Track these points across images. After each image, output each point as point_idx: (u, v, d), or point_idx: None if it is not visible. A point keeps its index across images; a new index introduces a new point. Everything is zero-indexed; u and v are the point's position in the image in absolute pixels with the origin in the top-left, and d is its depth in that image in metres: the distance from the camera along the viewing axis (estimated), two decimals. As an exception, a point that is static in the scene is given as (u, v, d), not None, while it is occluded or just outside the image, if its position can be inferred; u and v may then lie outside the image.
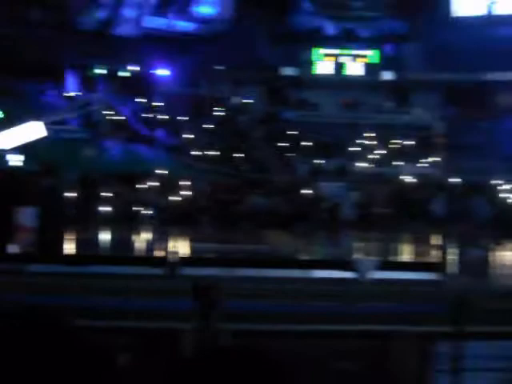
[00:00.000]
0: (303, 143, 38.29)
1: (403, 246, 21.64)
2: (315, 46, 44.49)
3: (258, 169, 33.92)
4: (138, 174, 28.59)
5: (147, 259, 16.21)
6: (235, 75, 40.00)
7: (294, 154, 36.46)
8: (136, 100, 36.10)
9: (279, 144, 37.90)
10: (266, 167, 34.53)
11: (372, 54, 44.46)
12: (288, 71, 43.79)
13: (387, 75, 43.80)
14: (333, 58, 44.63)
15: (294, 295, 10.23)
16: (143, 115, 35.18)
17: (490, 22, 43.51)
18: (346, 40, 44.58)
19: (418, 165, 34.27)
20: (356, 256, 15.32)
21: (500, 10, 44.36)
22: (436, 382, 7.56)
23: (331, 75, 44.20)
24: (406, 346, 7.14)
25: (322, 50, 44.55)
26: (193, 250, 18.40)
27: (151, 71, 37.18)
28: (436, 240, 21.42)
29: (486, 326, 7.46)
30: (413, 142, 38.33)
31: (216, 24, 41.89)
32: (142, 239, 22.50)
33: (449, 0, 44.96)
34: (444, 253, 17.20)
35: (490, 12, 44.21)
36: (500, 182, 29.99)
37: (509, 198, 27.30)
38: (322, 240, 22.36)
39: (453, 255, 17.37)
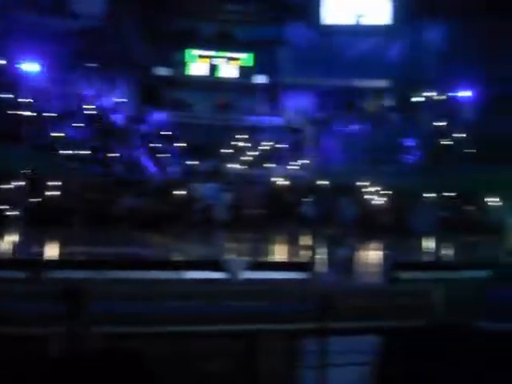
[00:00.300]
0: (176, 144, 38.19)
1: (275, 246, 22.05)
2: (190, 47, 44.53)
3: (131, 169, 33.44)
4: (1, 174, 27.21)
5: (11, 262, 15.49)
6: (107, 73, 39.19)
7: (167, 155, 36.26)
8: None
9: (152, 144, 37.57)
10: (138, 167, 34.12)
11: (246, 57, 45.07)
12: (162, 71, 43.52)
13: (260, 78, 44.56)
14: (207, 60, 44.86)
15: (164, 296, 10.14)
16: (8, 112, 33.54)
17: (357, 31, 45.38)
18: (221, 43, 44.94)
19: (289, 167, 35.09)
20: (228, 256, 15.43)
21: (367, 21, 46.30)
22: (303, 378, 7.76)
23: (205, 77, 44.40)
24: (272, 344, 7.28)
25: (196, 52, 44.67)
26: (61, 251, 17.81)
27: (18, 66, 35.55)
28: (306, 240, 22.01)
29: (349, 322, 7.76)
30: (285, 145, 39.26)
31: (89, 19, 40.77)
32: (6, 241, 21.49)
33: (319, 8, 46.37)
34: (313, 252, 17.73)
35: (358, 22, 46.06)
36: (366, 183, 31.27)
37: (373, 199, 28.51)
38: (195, 241, 22.33)
39: (322, 255, 17.93)
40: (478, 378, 6.28)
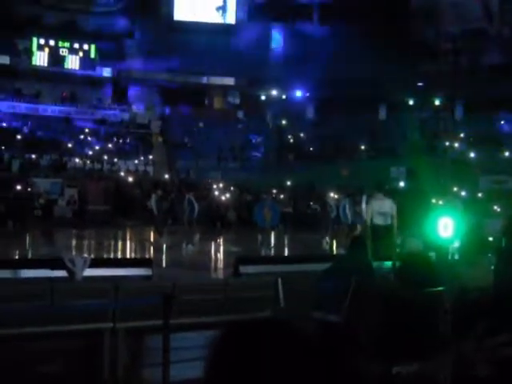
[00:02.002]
0: (17, 136, 36.53)
1: (118, 242, 21.77)
2: (33, 36, 42.78)
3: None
4: None
5: None
6: None
7: (5, 148, 34.54)
8: None
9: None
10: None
11: (89, 49, 44.03)
12: (2, 60, 41.48)
13: (105, 71, 43.73)
14: (50, 49, 43.34)
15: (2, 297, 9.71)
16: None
17: (208, 29, 45.86)
18: (64, 32, 43.57)
19: (136, 162, 34.73)
20: (69, 254, 15.04)
21: (217, 19, 47.00)
22: (147, 375, 7.77)
23: (48, 67, 42.87)
24: (116, 342, 7.23)
25: (40, 41, 43.01)
26: None
27: None
28: (149, 236, 21.94)
29: (191, 318, 7.86)
30: (131, 140, 38.81)
31: None
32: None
33: (172, 5, 46.35)
34: (155, 248, 17.75)
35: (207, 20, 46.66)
36: (212, 179, 31.68)
37: (219, 194, 28.91)
38: (35, 238, 21.51)
39: (166, 249, 17.98)
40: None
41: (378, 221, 12.24)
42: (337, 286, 6.74)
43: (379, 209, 12.17)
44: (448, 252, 11.77)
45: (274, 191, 28.74)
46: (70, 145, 36.48)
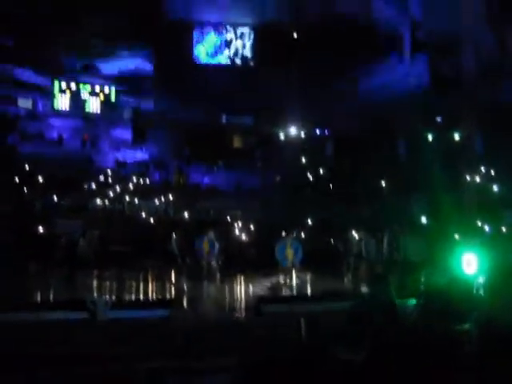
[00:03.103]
0: (40, 178, 36.90)
1: (140, 283, 21.73)
2: (55, 79, 43.60)
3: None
4: None
5: None
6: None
7: (28, 189, 34.86)
8: None
9: (14, 178, 36.05)
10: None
11: (110, 91, 44.75)
12: (25, 103, 42.20)
13: (126, 113, 44.31)
14: (71, 93, 44.11)
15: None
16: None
17: (227, 69, 46.60)
18: (86, 75, 44.35)
19: (156, 202, 34.86)
20: (92, 295, 15.03)
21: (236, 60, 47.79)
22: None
23: (71, 109, 43.61)
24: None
25: (62, 84, 43.81)
26: None
27: None
28: (172, 277, 21.89)
29: (212, 358, 7.77)
30: (150, 180, 39.06)
31: None
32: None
33: (191, 47, 47.19)
34: (177, 289, 17.67)
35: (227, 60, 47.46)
36: (232, 218, 31.66)
37: (239, 233, 28.85)
38: (56, 279, 21.55)
39: (186, 290, 17.90)
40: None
41: (401, 257, 12.13)
42: (360, 326, 6.64)
43: (403, 246, 12.08)
44: (472, 288, 11.59)
45: (295, 229, 28.62)
46: (91, 186, 36.75)
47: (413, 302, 9.84)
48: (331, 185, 38.06)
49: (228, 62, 48.15)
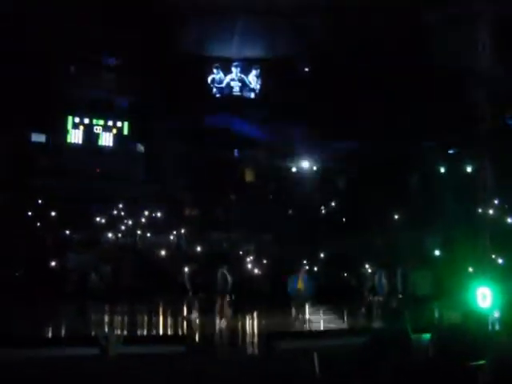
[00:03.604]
0: (52, 213, 37.05)
1: (152, 318, 21.60)
2: (69, 114, 44.06)
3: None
4: None
5: None
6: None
7: (40, 224, 34.99)
8: None
9: (26, 213, 36.21)
10: (10, 238, 32.62)
11: (123, 126, 45.17)
12: (38, 138, 42.62)
13: (138, 147, 44.69)
14: (84, 127, 44.52)
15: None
16: None
17: (238, 103, 47.09)
18: (98, 110, 44.80)
19: (168, 236, 34.85)
20: (104, 330, 14.95)
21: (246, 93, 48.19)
22: None
23: (84, 144, 44.01)
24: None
25: (76, 119, 44.24)
26: None
27: None
28: (184, 312, 21.76)
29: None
30: (162, 214, 39.10)
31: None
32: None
33: (203, 78, 47.77)
34: (189, 324, 17.53)
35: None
36: (245, 251, 31.57)
37: (251, 267, 28.74)
38: (68, 314, 21.46)
39: (198, 325, 17.76)
40: None
41: (416, 291, 12.01)
42: (375, 360, 6.56)
43: (418, 279, 11.97)
44: (488, 323, 11.43)
45: (307, 263, 28.48)
46: (103, 220, 36.85)
47: (427, 336, 9.71)
48: (344, 218, 37.98)
49: (239, 93, 48.60)
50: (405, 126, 39.73)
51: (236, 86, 48.57)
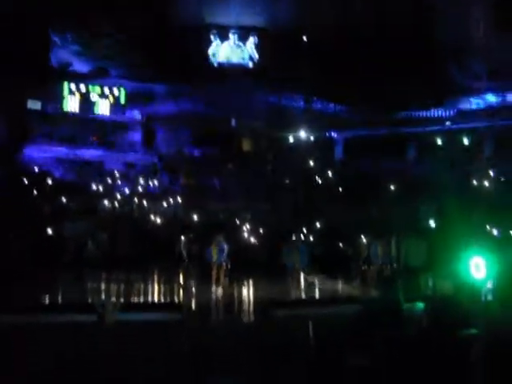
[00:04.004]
0: (48, 181, 37.05)
1: (148, 286, 21.77)
2: (64, 81, 43.75)
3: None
4: None
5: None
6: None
7: (37, 193, 35.01)
8: None
9: (22, 182, 36.21)
10: (9, 206, 32.66)
11: (119, 93, 44.88)
12: (34, 105, 42.36)
13: (135, 115, 44.45)
14: (80, 95, 44.25)
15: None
16: None
17: (237, 72, 46.77)
18: (95, 77, 44.51)
19: (165, 205, 34.89)
20: (99, 298, 15.09)
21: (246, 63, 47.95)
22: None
23: (81, 112, 43.78)
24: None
25: (71, 86, 43.95)
26: None
27: None
28: (180, 280, 21.92)
29: (222, 363, 7.78)
30: (159, 183, 39.14)
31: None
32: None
33: (203, 47, 47.46)
34: (185, 292, 17.69)
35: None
36: (241, 221, 31.67)
37: (247, 236, 28.87)
38: (64, 282, 21.61)
39: (195, 293, 17.92)
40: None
41: (409, 261, 12.12)
42: (368, 330, 6.65)
43: (411, 249, 12.06)
44: (480, 293, 11.54)
45: (303, 233, 28.61)
46: (99, 188, 36.86)
47: (420, 306, 9.82)
48: (340, 188, 38.08)
49: (242, 62, 48.34)
50: (403, 97, 39.68)
51: (233, 54, 48.27)
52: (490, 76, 41.24)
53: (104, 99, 44.43)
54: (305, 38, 46.15)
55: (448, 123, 41.02)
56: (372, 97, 41.15)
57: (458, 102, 42.63)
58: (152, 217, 32.08)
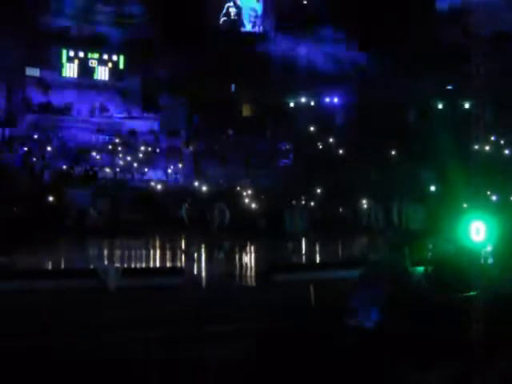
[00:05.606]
0: (48, 148, 36.99)
1: (150, 251, 21.90)
2: (63, 48, 43.27)
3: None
4: None
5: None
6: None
7: (38, 159, 34.99)
8: None
9: (23, 148, 36.18)
10: (6, 173, 32.66)
11: (118, 60, 44.44)
12: (33, 72, 41.98)
13: (134, 81, 44.09)
14: (79, 61, 43.83)
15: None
16: None
17: (237, 37, 46.34)
18: (94, 43, 44.06)
19: (165, 171, 34.89)
20: (101, 264, 15.15)
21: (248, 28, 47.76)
22: None
23: (79, 78, 43.37)
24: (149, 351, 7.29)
25: (70, 52, 43.48)
26: None
27: None
28: (182, 245, 22.03)
29: (223, 326, 7.88)
30: (160, 149, 39.05)
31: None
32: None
33: (200, 12, 46.83)
34: (187, 258, 17.79)
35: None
36: (241, 187, 31.71)
37: (248, 202, 28.94)
38: (68, 248, 21.73)
39: (196, 258, 18.03)
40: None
41: (410, 225, 12.17)
42: (373, 293, 6.71)
43: (411, 214, 12.11)
44: (480, 256, 11.60)
45: (304, 198, 28.67)
46: (100, 155, 36.80)
47: (420, 269, 9.90)
48: (341, 153, 38.00)
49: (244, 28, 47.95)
50: (404, 60, 39.34)
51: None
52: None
53: (103, 65, 44.02)
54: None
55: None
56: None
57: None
58: (153, 183, 32.12)
